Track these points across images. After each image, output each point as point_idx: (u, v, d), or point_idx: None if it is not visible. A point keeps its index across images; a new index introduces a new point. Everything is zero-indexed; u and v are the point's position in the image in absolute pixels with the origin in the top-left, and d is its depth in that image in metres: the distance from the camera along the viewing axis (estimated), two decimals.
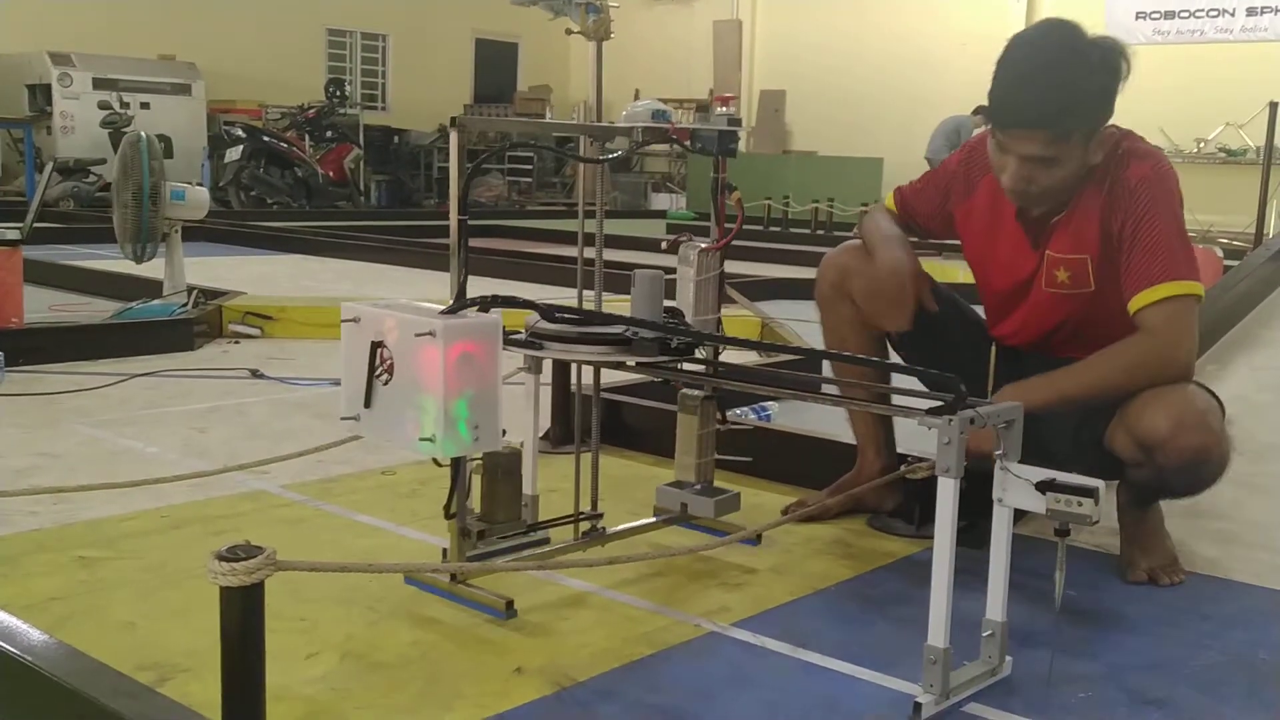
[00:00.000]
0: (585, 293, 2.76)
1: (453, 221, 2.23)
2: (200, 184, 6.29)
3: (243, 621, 1.63)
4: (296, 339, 5.53)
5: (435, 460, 2.26)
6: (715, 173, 2.61)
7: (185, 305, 5.55)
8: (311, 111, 16.60)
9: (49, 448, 3.46)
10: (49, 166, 9.12)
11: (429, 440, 2.04)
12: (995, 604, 2.04)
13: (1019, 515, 2.22)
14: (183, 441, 3.60)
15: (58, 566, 2.49)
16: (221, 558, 1.62)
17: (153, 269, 5.88)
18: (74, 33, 15.24)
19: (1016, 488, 1.96)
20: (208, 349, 5.22)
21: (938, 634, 1.92)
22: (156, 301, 5.65)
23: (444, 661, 2.10)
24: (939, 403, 1.95)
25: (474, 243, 10.66)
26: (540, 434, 3.50)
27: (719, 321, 2.63)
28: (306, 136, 16.37)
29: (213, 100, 16.23)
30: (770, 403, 4.03)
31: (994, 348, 2.68)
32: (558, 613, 2.34)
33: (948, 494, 1.88)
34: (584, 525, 2.63)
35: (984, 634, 2.05)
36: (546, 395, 3.41)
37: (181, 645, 2.10)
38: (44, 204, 8.55)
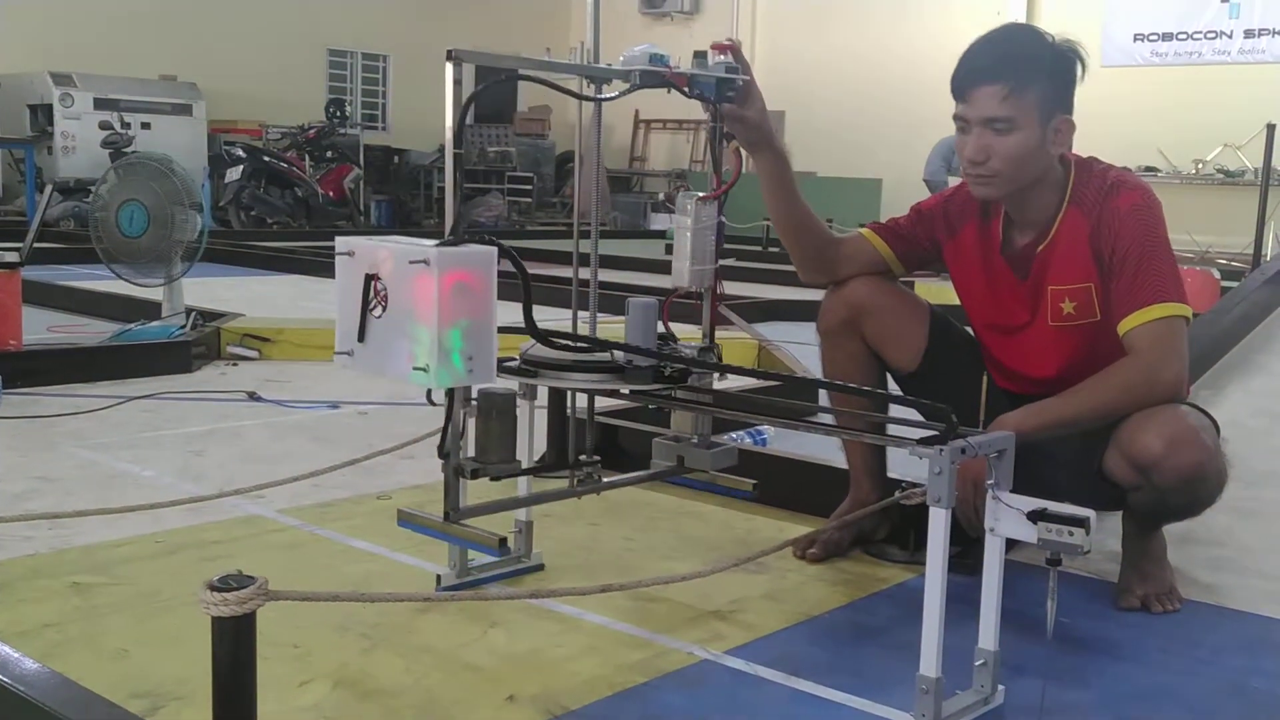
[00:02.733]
0: (577, 315, 2.75)
1: (449, 156, 2.23)
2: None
3: (234, 652, 1.64)
4: (294, 361, 5.53)
5: (429, 399, 2.22)
6: (713, 121, 2.61)
7: (184, 327, 5.56)
8: (312, 132, 16.63)
9: (45, 471, 3.47)
10: (49, 189, 9.13)
11: (422, 370, 2.02)
12: (988, 633, 2.04)
13: (1012, 543, 2.23)
14: (179, 465, 3.61)
15: (52, 593, 2.50)
16: (213, 588, 1.62)
17: (150, 290, 5.89)
18: (75, 53, 15.27)
19: (1008, 517, 1.97)
20: (206, 371, 5.22)
21: (929, 663, 1.92)
22: (155, 323, 5.67)
23: (437, 689, 2.10)
24: (931, 433, 1.96)
25: None
26: (535, 459, 3.51)
27: (716, 272, 2.61)
28: (307, 156, 16.40)
29: (213, 120, 16.23)
30: (765, 427, 4.03)
31: (985, 380, 2.69)
32: (551, 639, 2.34)
33: (939, 524, 1.89)
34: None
35: (976, 663, 2.05)
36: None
37: (174, 673, 2.10)
38: (44, 224, 8.56)
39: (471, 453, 2.28)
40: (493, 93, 21.09)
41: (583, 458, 2.54)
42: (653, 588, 2.55)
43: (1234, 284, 7.89)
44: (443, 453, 2.22)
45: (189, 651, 2.15)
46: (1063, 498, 1.98)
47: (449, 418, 2.20)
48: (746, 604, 2.56)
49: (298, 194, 15.75)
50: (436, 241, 2.07)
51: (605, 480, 2.60)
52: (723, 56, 2.56)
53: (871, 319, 2.79)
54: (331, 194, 16.12)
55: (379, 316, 2.10)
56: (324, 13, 18.70)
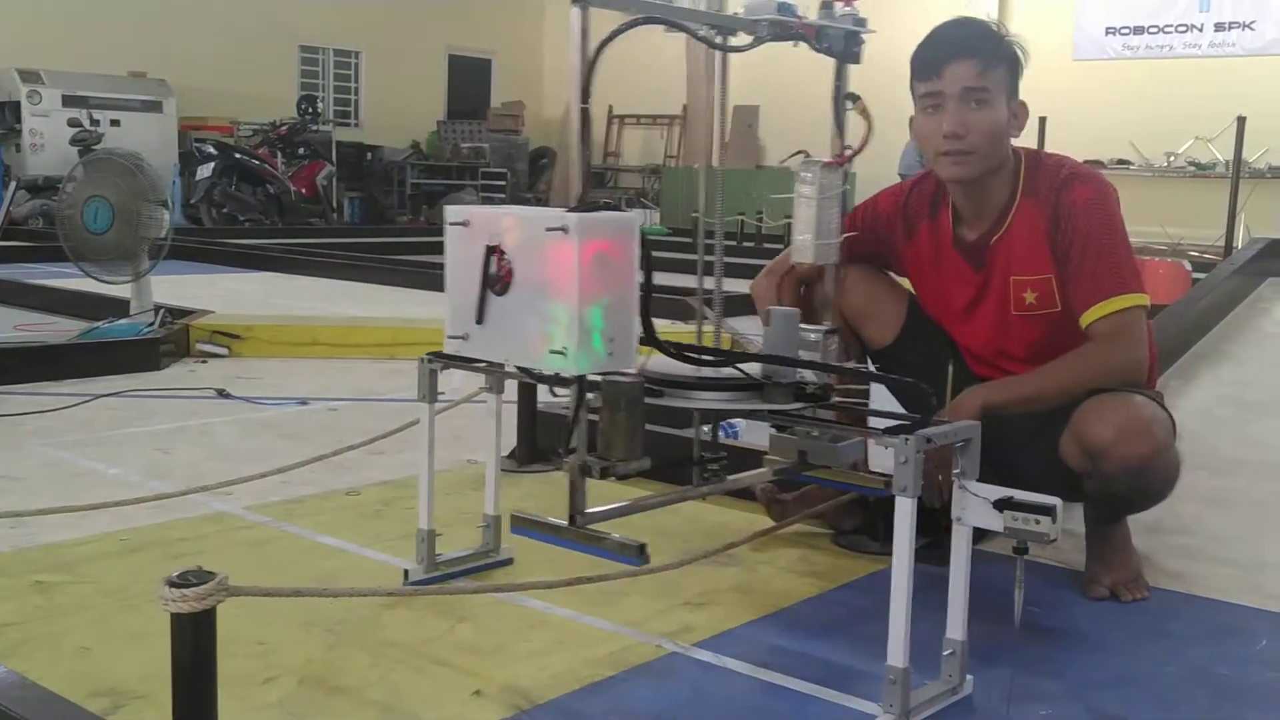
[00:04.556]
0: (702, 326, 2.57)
1: (575, 109, 1.96)
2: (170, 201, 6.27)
3: (194, 648, 1.62)
4: (264, 358, 5.50)
5: (553, 390, 2.00)
6: (837, 80, 2.44)
7: (152, 324, 5.51)
8: (284, 128, 16.54)
9: (9, 470, 3.42)
10: (12, 186, 9.07)
11: (559, 354, 1.82)
12: (955, 622, 2.04)
13: (982, 534, 2.22)
14: (146, 463, 3.57)
15: (13, 592, 2.46)
16: (172, 584, 1.60)
17: (119, 287, 5.84)
18: (43, 50, 15.14)
19: (974, 506, 1.96)
20: (174, 369, 5.18)
21: (897, 654, 1.91)
22: (123, 321, 5.61)
23: (403, 685, 2.08)
24: (898, 423, 1.96)
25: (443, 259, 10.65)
26: (506, 453, 3.50)
27: (841, 247, 2.42)
28: (279, 153, 16.30)
29: (184, 117, 16.12)
30: (737, 419, 4.02)
31: (951, 369, 2.70)
32: (518, 634, 2.32)
33: (905, 514, 1.88)
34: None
35: (945, 653, 2.05)
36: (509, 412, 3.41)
37: (137, 672, 2.07)
38: (12, 222, 8.49)
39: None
40: (467, 88, 21.07)
41: (706, 455, 2.35)
42: (622, 580, 2.53)
43: (1205, 276, 7.92)
44: (568, 449, 1.98)
45: (152, 650, 2.12)
46: (1025, 480, 1.98)
47: (578, 407, 1.94)
48: (716, 596, 2.55)
49: (270, 191, 15.67)
50: (568, 207, 1.86)
51: (731, 478, 2.39)
52: (848, 8, 2.40)
53: (850, 294, 2.81)
54: (304, 191, 16.04)
55: (501, 294, 1.90)
56: (295, 8, 18.58)
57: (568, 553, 2.73)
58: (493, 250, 1.90)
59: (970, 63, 2.49)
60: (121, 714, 1.92)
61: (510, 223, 1.89)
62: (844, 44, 2.37)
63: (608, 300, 1.82)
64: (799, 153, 2.42)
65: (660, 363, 2.15)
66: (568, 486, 1.99)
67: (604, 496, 2.11)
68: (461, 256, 1.96)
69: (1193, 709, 2.09)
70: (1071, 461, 2.49)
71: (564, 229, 1.78)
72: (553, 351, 1.84)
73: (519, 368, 2.18)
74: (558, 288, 1.81)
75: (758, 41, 2.26)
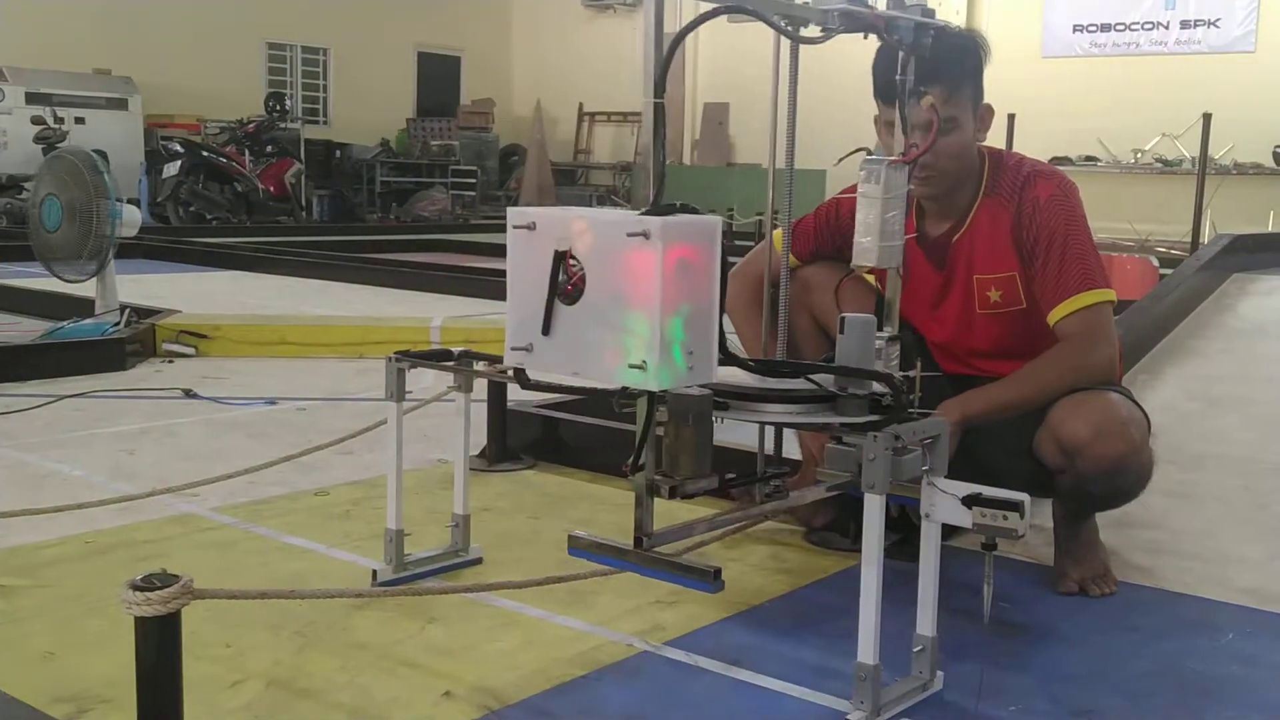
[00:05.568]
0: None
1: (647, 106, 1.87)
2: (135, 199, 6.21)
3: (159, 652, 1.60)
4: (232, 357, 5.46)
5: (617, 404, 1.87)
6: (901, 74, 2.29)
7: (117, 324, 5.46)
8: (251, 126, 16.41)
9: None
10: None
11: (638, 368, 1.72)
12: (925, 619, 2.04)
13: (952, 530, 2.23)
14: (111, 464, 3.54)
15: None
16: (136, 587, 1.59)
17: (84, 287, 5.79)
18: (6, 47, 14.98)
19: (943, 502, 1.96)
20: (140, 369, 5.14)
21: (867, 651, 1.91)
22: (88, 321, 5.56)
23: (371, 686, 2.06)
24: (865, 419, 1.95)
25: (415, 258, 10.61)
26: (475, 452, 3.49)
27: (903, 247, 2.26)
28: (246, 151, 16.17)
29: (150, 115, 16.00)
30: None
31: (919, 365, 2.71)
32: (488, 634, 2.31)
33: (874, 511, 1.88)
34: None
35: (915, 649, 2.05)
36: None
37: (101, 675, 2.05)
38: None
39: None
40: (436, 86, 20.99)
41: (769, 470, 2.24)
42: (592, 580, 2.52)
43: (1171, 272, 7.96)
44: (635, 467, 1.87)
45: (116, 654, 2.10)
46: (998, 475, 1.98)
47: (648, 423, 1.83)
48: (686, 594, 2.54)
49: (237, 189, 15.55)
50: (643, 210, 1.75)
51: (794, 494, 2.29)
52: None
53: (818, 293, 2.82)
54: (272, 189, 15.92)
55: (570, 304, 1.79)
56: (262, 5, 18.47)
57: (537, 552, 2.74)
58: (562, 256, 1.80)
59: (935, 90, 2.40)
60: (86, 719, 1.90)
61: (581, 226, 1.78)
62: (914, 35, 2.28)
63: (688, 310, 1.73)
64: (860, 149, 2.32)
65: (724, 373, 2.02)
66: (634, 504, 1.89)
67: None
68: (525, 262, 1.85)
69: (1161, 702, 2.10)
70: (1048, 458, 2.51)
71: (645, 234, 1.69)
72: (631, 366, 1.73)
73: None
74: (636, 297, 1.71)
75: (829, 33, 2.18)
